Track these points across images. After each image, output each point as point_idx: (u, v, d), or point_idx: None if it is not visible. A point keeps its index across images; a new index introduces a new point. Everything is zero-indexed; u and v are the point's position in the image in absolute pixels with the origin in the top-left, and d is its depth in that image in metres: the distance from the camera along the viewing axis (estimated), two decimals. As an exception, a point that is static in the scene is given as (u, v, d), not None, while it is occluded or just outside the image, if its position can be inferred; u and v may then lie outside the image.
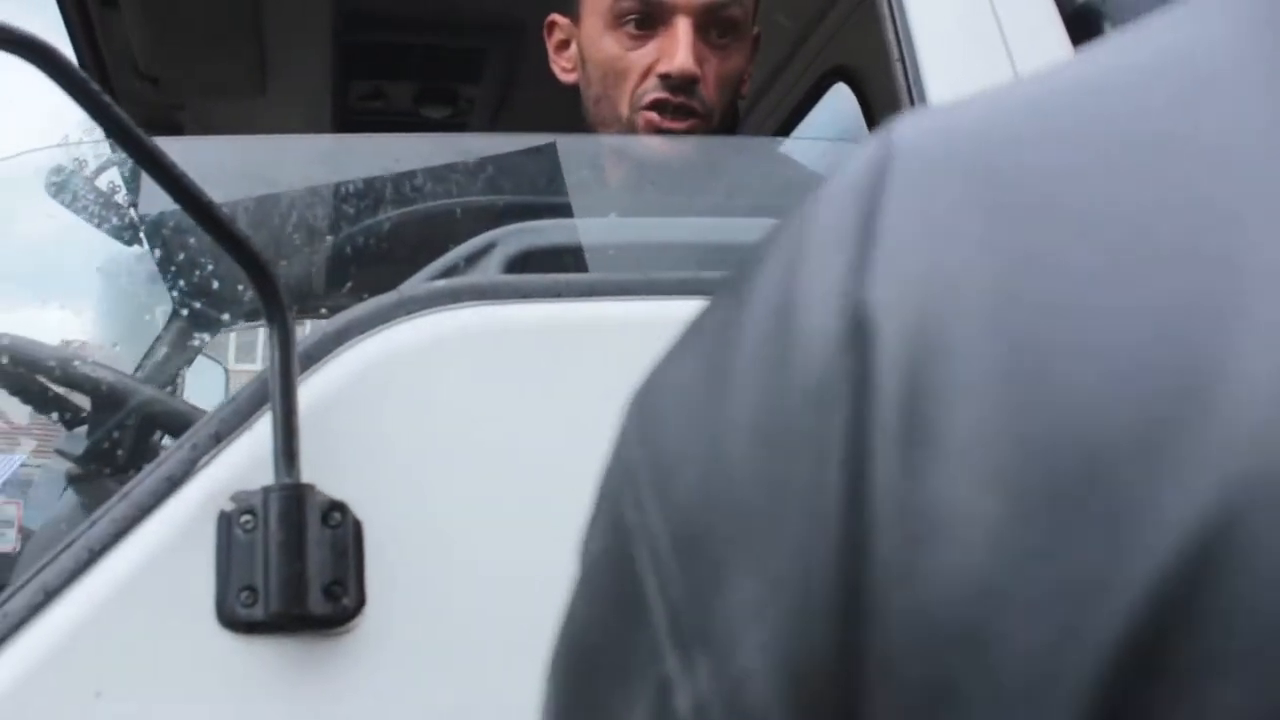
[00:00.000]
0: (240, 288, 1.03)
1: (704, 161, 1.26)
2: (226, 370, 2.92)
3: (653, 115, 1.25)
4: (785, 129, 2.00)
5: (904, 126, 0.28)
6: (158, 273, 1.52)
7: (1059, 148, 0.26)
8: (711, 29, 1.28)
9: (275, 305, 0.86)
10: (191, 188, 0.83)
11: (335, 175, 1.17)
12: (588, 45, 1.31)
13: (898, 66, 1.20)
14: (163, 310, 2.02)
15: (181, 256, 1.09)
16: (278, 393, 0.85)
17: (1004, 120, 0.27)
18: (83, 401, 1.40)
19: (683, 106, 1.25)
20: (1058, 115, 0.26)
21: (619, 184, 1.26)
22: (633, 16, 1.27)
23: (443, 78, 2.15)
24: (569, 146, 1.21)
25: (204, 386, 2.58)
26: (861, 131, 1.90)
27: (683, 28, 1.25)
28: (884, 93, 1.87)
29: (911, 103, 1.17)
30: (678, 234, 1.10)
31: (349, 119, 2.17)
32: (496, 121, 2.23)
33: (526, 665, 0.87)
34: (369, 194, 1.12)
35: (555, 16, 1.37)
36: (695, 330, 0.30)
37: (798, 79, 2.01)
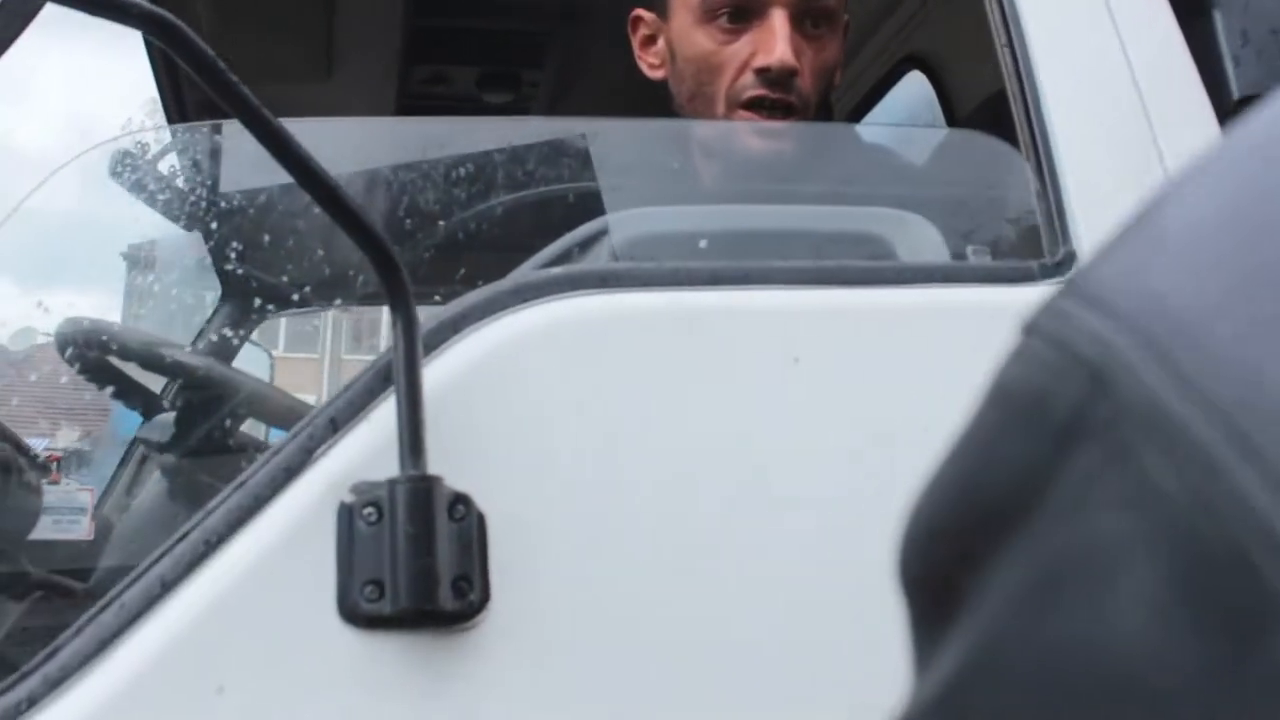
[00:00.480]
0: (350, 273, 1.01)
1: (810, 149, 1.23)
2: (271, 356, 2.92)
3: (750, 114, 1.21)
4: (857, 116, 1.98)
5: None
6: (207, 257, 1.50)
7: None
8: (806, 19, 1.24)
9: (400, 293, 0.84)
10: (319, 171, 0.81)
11: (424, 157, 1.15)
12: (678, 41, 1.28)
13: (1005, 52, 1.17)
14: (211, 296, 2.01)
15: (290, 242, 1.06)
16: (403, 381, 0.83)
17: None
18: (157, 388, 1.38)
19: (780, 102, 1.21)
20: None
21: (720, 171, 1.23)
22: (726, 10, 1.23)
23: (506, 62, 2.13)
24: (669, 131, 1.19)
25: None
26: (937, 118, 1.88)
27: (779, 19, 1.22)
28: (963, 80, 1.85)
29: (1021, 89, 1.14)
30: (790, 221, 1.07)
31: (411, 104, 2.15)
32: (557, 108, 2.21)
33: (651, 658, 0.85)
34: (478, 178, 1.09)
35: (640, 11, 1.34)
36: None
37: (869, 65, 1.98)
